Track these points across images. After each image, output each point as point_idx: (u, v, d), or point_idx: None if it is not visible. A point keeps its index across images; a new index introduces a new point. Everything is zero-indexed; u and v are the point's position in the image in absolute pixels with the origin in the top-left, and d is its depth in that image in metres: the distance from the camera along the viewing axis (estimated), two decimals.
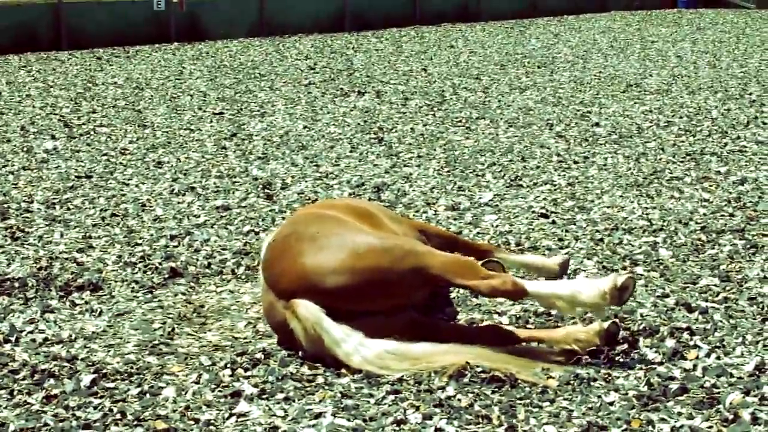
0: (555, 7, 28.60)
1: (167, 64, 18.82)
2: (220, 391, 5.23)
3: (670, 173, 9.93)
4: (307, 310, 5.45)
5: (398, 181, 9.80)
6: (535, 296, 5.52)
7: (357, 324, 5.44)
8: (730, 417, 4.76)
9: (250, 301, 6.69)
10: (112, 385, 5.32)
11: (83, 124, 13.13)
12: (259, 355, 5.64)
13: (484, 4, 27.35)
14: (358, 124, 12.83)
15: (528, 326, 6.02)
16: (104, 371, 5.48)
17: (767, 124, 12.21)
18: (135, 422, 4.89)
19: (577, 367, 5.36)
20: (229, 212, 8.81)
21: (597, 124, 12.54)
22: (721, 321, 5.99)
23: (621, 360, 5.45)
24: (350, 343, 5.39)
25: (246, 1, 23.84)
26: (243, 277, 7.21)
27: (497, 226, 8.23)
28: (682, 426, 4.69)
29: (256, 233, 8.11)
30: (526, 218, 8.43)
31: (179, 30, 22.72)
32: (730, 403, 4.88)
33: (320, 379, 5.34)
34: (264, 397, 5.13)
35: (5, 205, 9.11)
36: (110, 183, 9.98)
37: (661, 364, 5.39)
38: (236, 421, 4.89)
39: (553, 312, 6.02)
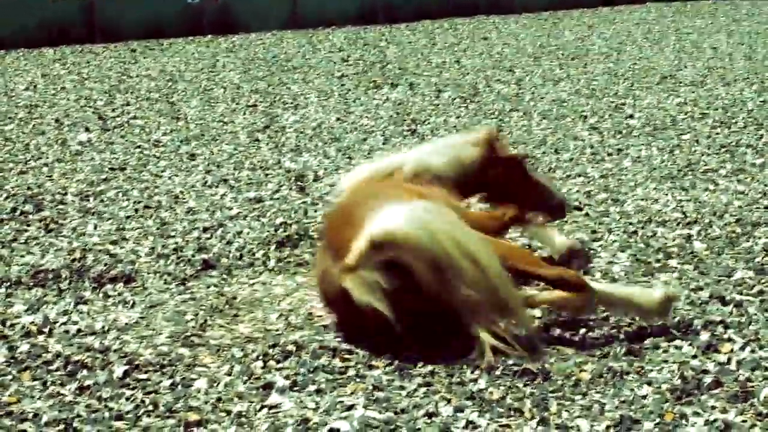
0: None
1: (201, 57, 18.87)
2: (251, 383, 5.23)
3: (705, 165, 9.85)
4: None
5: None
6: (598, 293, 5.58)
7: None
8: (765, 411, 4.72)
9: (282, 293, 6.69)
10: (144, 376, 5.35)
11: (117, 116, 13.19)
12: (290, 347, 5.64)
13: None
14: (391, 116, 12.81)
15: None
16: (137, 362, 5.50)
17: None
18: (167, 414, 4.91)
19: (609, 360, 5.34)
20: (262, 204, 8.82)
21: (631, 116, 12.46)
22: (755, 314, 5.94)
23: (654, 353, 5.41)
24: None
25: None
26: (275, 269, 7.21)
27: None
28: (715, 420, 4.66)
29: (288, 225, 8.11)
30: None
31: (213, 22, 22.76)
32: (765, 397, 4.84)
33: (352, 372, 5.33)
34: (295, 389, 5.14)
35: (40, 197, 9.17)
36: (143, 175, 10.02)
37: (694, 357, 5.35)
38: (268, 413, 4.90)
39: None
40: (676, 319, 5.82)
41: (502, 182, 6.81)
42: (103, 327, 6.09)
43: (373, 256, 5.37)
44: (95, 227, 8.25)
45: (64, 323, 6.15)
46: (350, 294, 5.42)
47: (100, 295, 6.72)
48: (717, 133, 11.35)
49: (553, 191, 7.06)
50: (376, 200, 5.75)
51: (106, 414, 4.92)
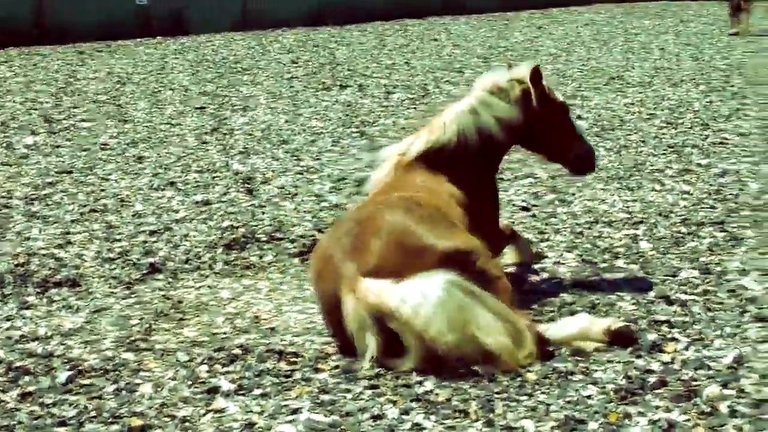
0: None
1: (149, 59, 18.75)
2: (196, 387, 5.19)
3: (652, 166, 9.92)
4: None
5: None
6: (556, 340, 5.52)
7: None
8: (708, 410, 4.75)
9: (229, 296, 6.66)
10: (88, 381, 5.30)
11: (64, 119, 13.07)
12: (236, 351, 5.61)
13: None
14: (340, 117, 12.80)
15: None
16: (80, 368, 5.45)
17: (749, 117, 12.21)
18: (110, 419, 4.86)
19: (555, 361, 5.34)
20: (209, 207, 8.77)
21: (579, 117, 12.50)
22: (700, 313, 5.98)
23: (600, 353, 5.43)
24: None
25: None
26: (222, 272, 7.17)
27: None
28: (659, 419, 4.68)
29: (236, 228, 8.08)
30: (507, 211, 8.40)
31: (162, 24, 22.64)
32: (708, 396, 4.87)
33: (298, 375, 5.31)
34: (241, 393, 5.10)
35: None
36: (90, 178, 9.94)
37: (639, 357, 5.38)
38: (213, 417, 4.86)
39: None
40: (622, 319, 5.84)
41: (542, 125, 6.57)
42: (47, 332, 6.03)
43: (377, 319, 5.24)
44: (40, 231, 8.17)
45: (7, 329, 6.09)
46: (342, 306, 5.34)
47: (45, 300, 6.66)
48: (664, 134, 11.43)
49: (587, 141, 6.86)
50: (409, 218, 5.59)
51: (49, 420, 4.86)
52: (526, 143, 6.80)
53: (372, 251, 5.39)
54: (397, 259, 5.35)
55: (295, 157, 10.66)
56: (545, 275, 6.85)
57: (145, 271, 7.19)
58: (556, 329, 5.57)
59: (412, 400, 4.94)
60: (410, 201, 5.88)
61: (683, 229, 7.78)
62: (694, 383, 5.04)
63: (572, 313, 5.98)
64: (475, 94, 6.60)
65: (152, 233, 8.04)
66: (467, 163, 6.44)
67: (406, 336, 5.17)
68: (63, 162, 10.67)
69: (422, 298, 5.13)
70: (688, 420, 4.67)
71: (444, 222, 5.75)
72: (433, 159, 6.42)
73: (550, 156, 6.85)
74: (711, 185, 9.08)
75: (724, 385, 4.97)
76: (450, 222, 5.82)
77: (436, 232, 5.54)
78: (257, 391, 5.11)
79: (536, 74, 6.55)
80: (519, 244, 6.95)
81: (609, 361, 5.31)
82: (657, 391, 4.96)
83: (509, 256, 6.94)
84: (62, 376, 5.33)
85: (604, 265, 7.02)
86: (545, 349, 5.43)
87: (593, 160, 6.82)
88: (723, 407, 4.74)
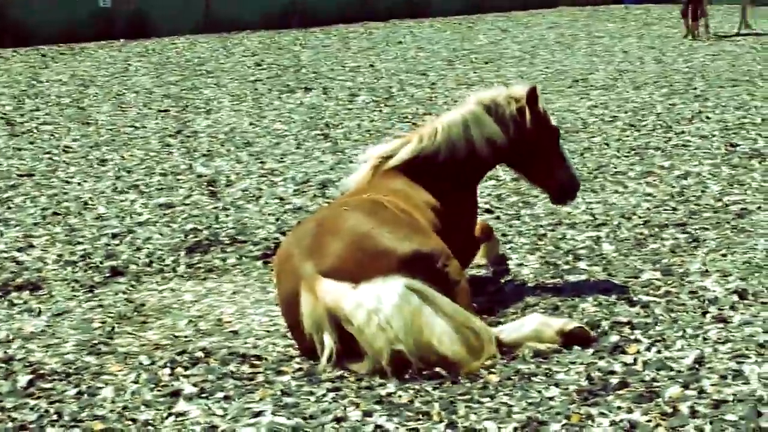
0: (504, 3, 28.56)
1: (113, 61, 18.65)
2: (159, 390, 5.18)
3: (615, 168, 9.96)
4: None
5: (344, 178, 9.75)
6: (509, 342, 5.53)
7: None
8: (669, 411, 4.77)
9: (192, 299, 6.64)
10: (49, 385, 5.27)
11: (26, 121, 12.98)
12: (199, 354, 5.59)
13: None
14: (305, 120, 12.78)
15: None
16: (41, 372, 5.42)
17: (711, 119, 12.28)
18: (72, 423, 4.84)
19: (518, 363, 5.36)
20: (172, 210, 8.74)
21: None
22: (662, 315, 6.02)
23: (562, 355, 5.45)
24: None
25: None
26: (185, 275, 7.15)
27: None
28: (621, 420, 4.70)
29: (199, 231, 8.05)
30: None
31: (125, 26, 22.51)
32: (669, 397, 4.90)
33: (260, 378, 5.30)
34: (203, 396, 5.09)
35: None
36: (52, 181, 9.88)
37: (601, 358, 5.40)
38: (175, 421, 4.84)
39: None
40: (585, 321, 5.87)
41: (532, 146, 6.55)
42: (8, 336, 6.00)
43: (333, 320, 5.26)
44: (1, 234, 8.12)
45: None
46: (300, 305, 5.34)
47: (5, 303, 6.62)
48: (627, 136, 11.48)
49: (573, 171, 6.84)
50: (369, 221, 5.59)
51: (10, 424, 4.83)
52: (513, 163, 6.80)
53: (331, 252, 5.41)
54: (356, 262, 5.37)
55: (258, 160, 10.63)
56: (508, 277, 6.87)
57: (107, 275, 7.17)
58: (509, 330, 5.59)
59: (374, 402, 4.94)
60: (375, 203, 5.89)
61: (645, 231, 7.82)
62: (656, 384, 5.07)
63: None
64: (468, 108, 6.59)
65: (115, 236, 8.01)
66: (449, 176, 6.43)
67: (360, 341, 5.19)
68: (25, 165, 10.61)
69: (377, 304, 5.16)
70: (650, 421, 4.69)
71: (406, 224, 5.74)
72: (414, 167, 6.41)
73: (533, 179, 6.83)
74: (673, 187, 9.14)
75: (685, 386, 5.01)
76: (413, 224, 5.82)
77: (396, 234, 5.55)
78: (220, 394, 5.10)
79: (533, 94, 6.60)
80: (490, 244, 6.95)
81: (571, 363, 5.34)
82: (619, 392, 4.99)
83: (478, 255, 6.95)
84: (23, 379, 5.30)
85: (567, 267, 7.04)
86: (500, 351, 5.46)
87: (575, 191, 6.83)
88: (684, 408, 4.78)
